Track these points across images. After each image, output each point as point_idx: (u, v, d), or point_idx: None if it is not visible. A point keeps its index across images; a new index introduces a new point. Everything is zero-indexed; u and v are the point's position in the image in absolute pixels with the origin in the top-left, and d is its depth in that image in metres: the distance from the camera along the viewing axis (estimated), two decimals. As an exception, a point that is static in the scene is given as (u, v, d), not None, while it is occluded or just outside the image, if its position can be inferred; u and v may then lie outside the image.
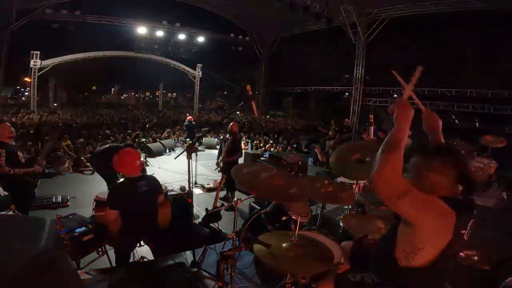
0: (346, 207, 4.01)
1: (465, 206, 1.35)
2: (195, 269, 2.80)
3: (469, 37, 11.37)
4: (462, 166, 1.36)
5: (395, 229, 1.48)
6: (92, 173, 6.53)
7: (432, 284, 1.38)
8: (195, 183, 5.97)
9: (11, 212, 3.68)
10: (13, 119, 12.17)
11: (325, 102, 24.05)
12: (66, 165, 6.97)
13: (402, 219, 1.37)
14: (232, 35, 13.97)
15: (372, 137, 7.51)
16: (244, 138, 12.62)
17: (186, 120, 11.74)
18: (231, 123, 5.58)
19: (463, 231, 1.33)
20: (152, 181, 2.82)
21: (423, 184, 1.37)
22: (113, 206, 2.51)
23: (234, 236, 2.37)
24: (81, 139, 9.17)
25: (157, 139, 10.63)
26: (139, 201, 2.61)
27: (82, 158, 7.41)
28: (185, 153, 2.74)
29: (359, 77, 10.61)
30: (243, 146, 5.52)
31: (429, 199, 1.27)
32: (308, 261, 1.72)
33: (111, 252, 2.85)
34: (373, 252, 1.69)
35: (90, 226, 2.82)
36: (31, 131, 9.71)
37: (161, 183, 4.92)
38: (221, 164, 5.61)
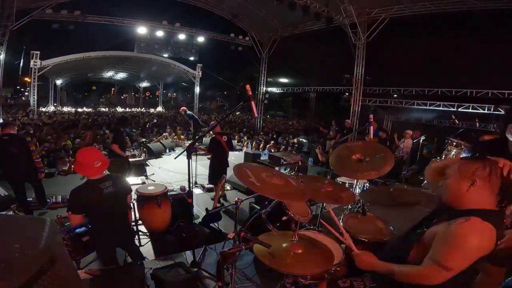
0: (346, 207, 4.01)
1: (498, 217, 1.27)
2: (195, 269, 2.80)
3: (470, 37, 11.37)
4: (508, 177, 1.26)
5: (420, 234, 1.41)
6: None
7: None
8: (195, 183, 5.97)
9: (11, 212, 3.67)
10: (10, 119, 12.15)
11: (325, 102, 24.06)
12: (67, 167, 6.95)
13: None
14: (232, 35, 13.95)
15: (372, 137, 7.50)
16: (245, 138, 12.62)
17: (187, 112, 11.15)
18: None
19: (500, 242, 1.26)
20: (119, 181, 2.67)
21: (461, 193, 1.29)
22: (75, 211, 2.39)
23: (234, 236, 2.36)
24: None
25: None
26: (105, 203, 2.46)
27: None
28: (185, 153, 2.74)
29: (359, 77, 10.60)
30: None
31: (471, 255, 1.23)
32: (308, 261, 1.72)
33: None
34: (387, 249, 1.69)
35: (90, 226, 2.80)
36: (31, 131, 9.70)
37: (161, 183, 4.89)
38: None
